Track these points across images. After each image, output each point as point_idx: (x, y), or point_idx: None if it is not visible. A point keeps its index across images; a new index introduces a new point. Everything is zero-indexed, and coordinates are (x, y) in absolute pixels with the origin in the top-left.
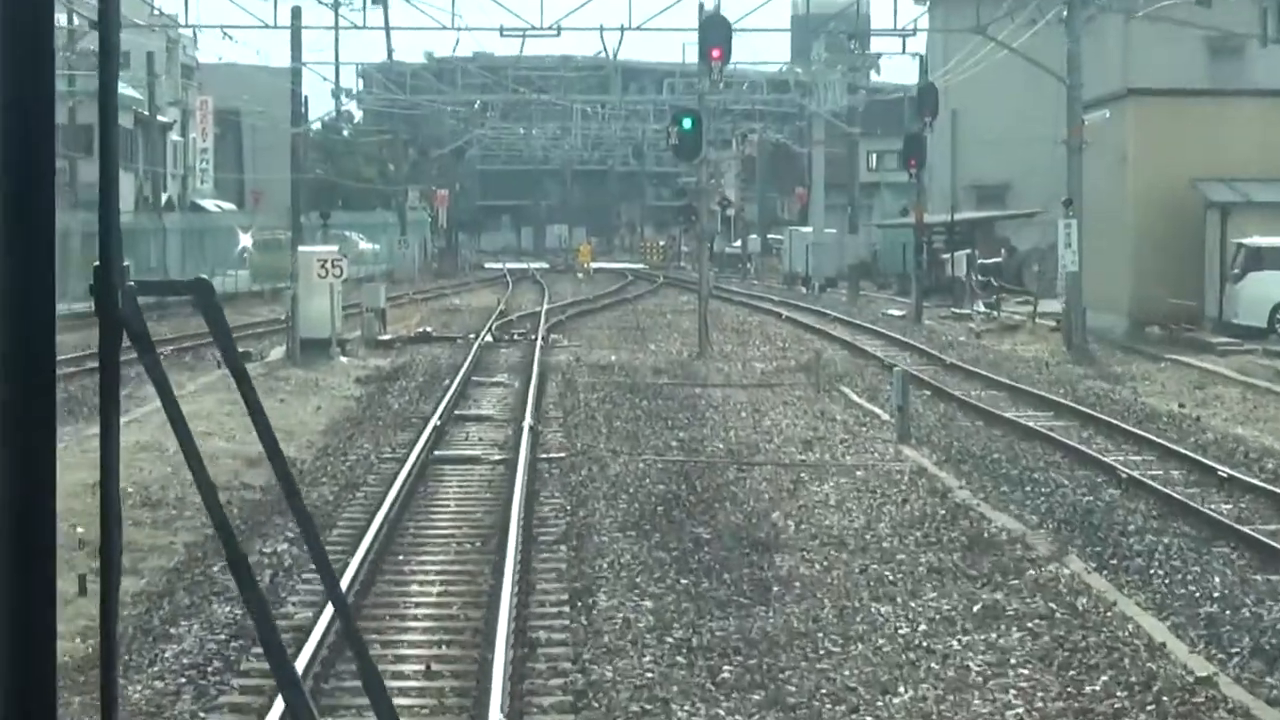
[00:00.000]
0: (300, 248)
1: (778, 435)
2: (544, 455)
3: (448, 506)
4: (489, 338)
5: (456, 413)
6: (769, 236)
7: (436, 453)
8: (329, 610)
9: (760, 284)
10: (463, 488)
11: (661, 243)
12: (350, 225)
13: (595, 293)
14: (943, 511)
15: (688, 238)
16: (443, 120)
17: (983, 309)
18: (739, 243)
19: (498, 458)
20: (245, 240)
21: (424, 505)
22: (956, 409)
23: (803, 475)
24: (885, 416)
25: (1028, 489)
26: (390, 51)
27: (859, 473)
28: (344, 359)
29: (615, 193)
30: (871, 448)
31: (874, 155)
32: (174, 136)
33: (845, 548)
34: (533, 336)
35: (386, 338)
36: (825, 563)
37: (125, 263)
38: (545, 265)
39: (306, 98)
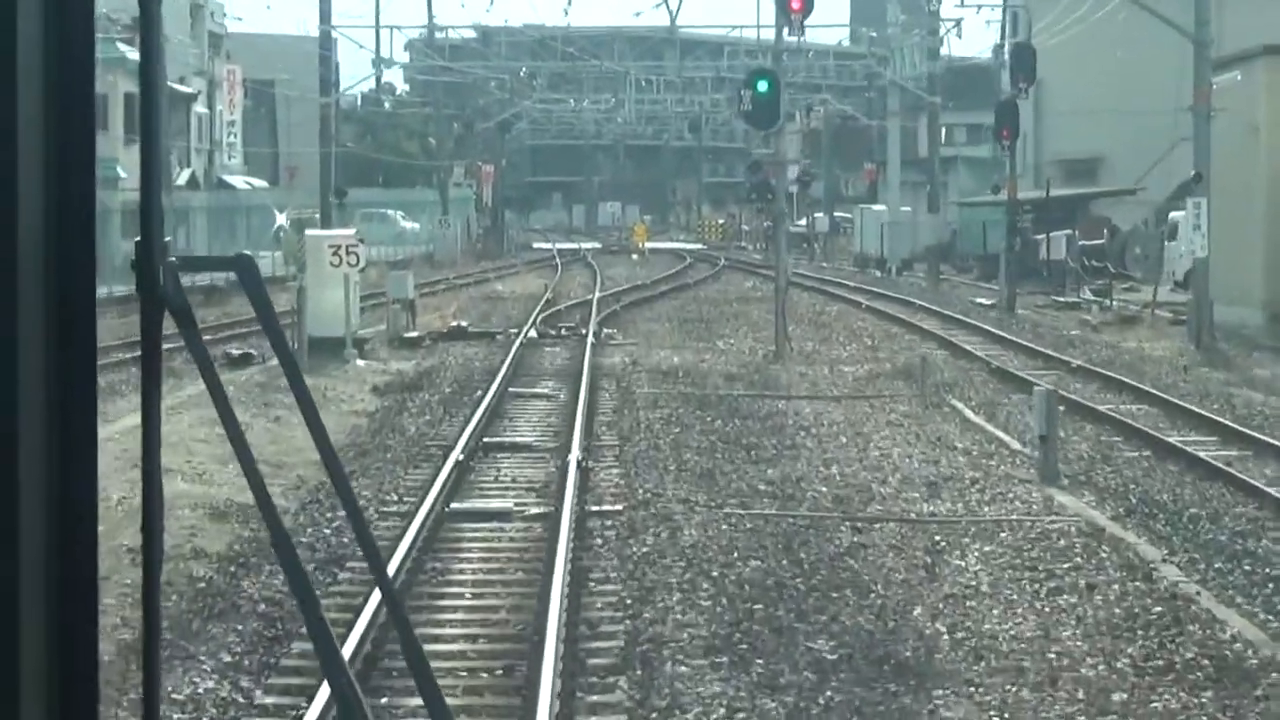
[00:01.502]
0: (309, 231)
1: (891, 472)
2: (595, 508)
3: (459, 600)
4: (533, 333)
5: (486, 439)
6: (836, 215)
7: (453, 505)
8: None
9: (830, 266)
10: (483, 565)
11: (720, 221)
12: (391, 203)
13: (652, 276)
14: (1155, 608)
15: (749, 215)
16: (489, 92)
17: (1091, 297)
18: (804, 221)
19: (535, 511)
20: (281, 220)
21: (428, 595)
22: (1111, 432)
23: (937, 539)
24: (1015, 444)
25: (1246, 565)
26: (431, 17)
27: (1010, 534)
28: (360, 362)
29: (670, 168)
30: (1013, 492)
31: (947, 129)
32: (199, 108)
33: (1026, 680)
34: (583, 331)
35: (414, 334)
36: (1007, 710)
37: (166, 238)
38: (597, 245)
39: (338, 65)
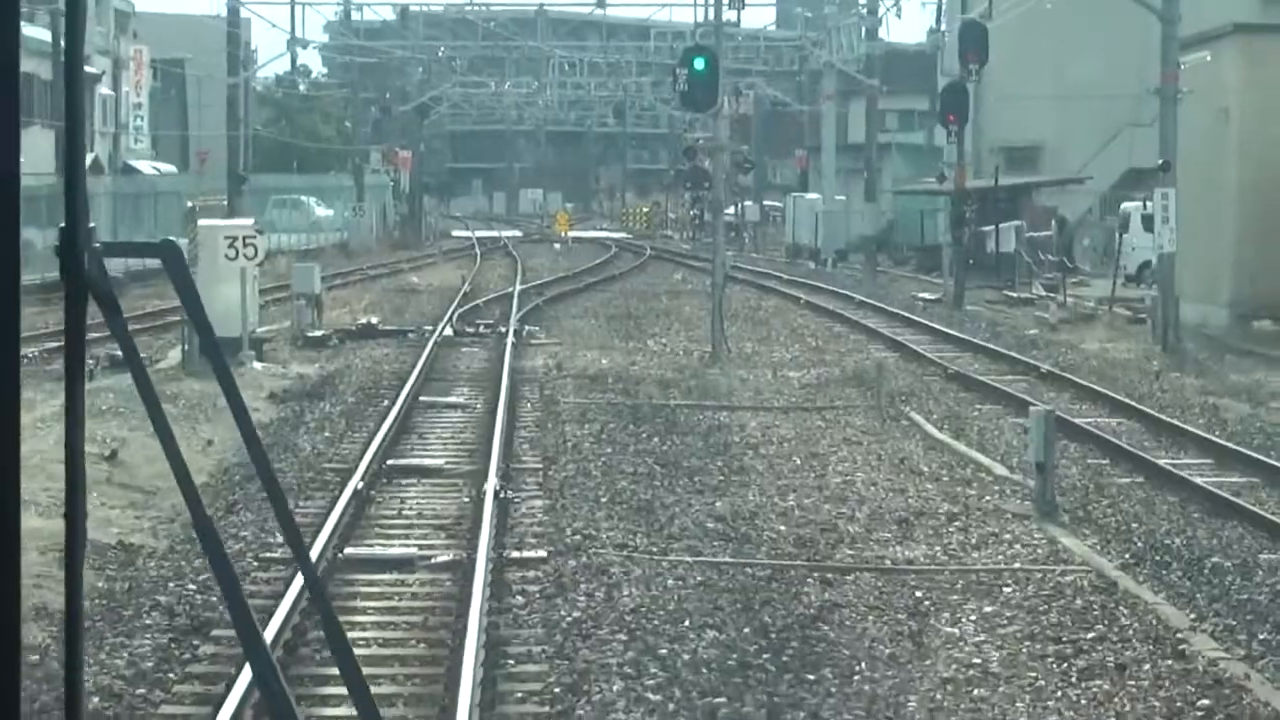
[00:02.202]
0: (202, 221)
1: (857, 504)
2: (515, 554)
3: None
4: (448, 331)
5: (391, 461)
6: (765, 203)
7: (348, 550)
8: None
9: (761, 257)
10: (378, 634)
11: (645, 209)
12: (306, 189)
13: (575, 267)
14: (1201, 699)
15: (675, 203)
16: (407, 74)
17: (1044, 292)
18: (733, 210)
19: (443, 559)
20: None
21: (308, 679)
22: (1097, 452)
23: (920, 595)
24: (994, 467)
25: None
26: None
27: (1010, 589)
28: (258, 365)
29: (593, 155)
30: (1002, 528)
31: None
32: (103, 90)
33: None
34: (502, 329)
35: (319, 333)
36: None
37: (91, 224)
38: (518, 233)
39: (248, 43)
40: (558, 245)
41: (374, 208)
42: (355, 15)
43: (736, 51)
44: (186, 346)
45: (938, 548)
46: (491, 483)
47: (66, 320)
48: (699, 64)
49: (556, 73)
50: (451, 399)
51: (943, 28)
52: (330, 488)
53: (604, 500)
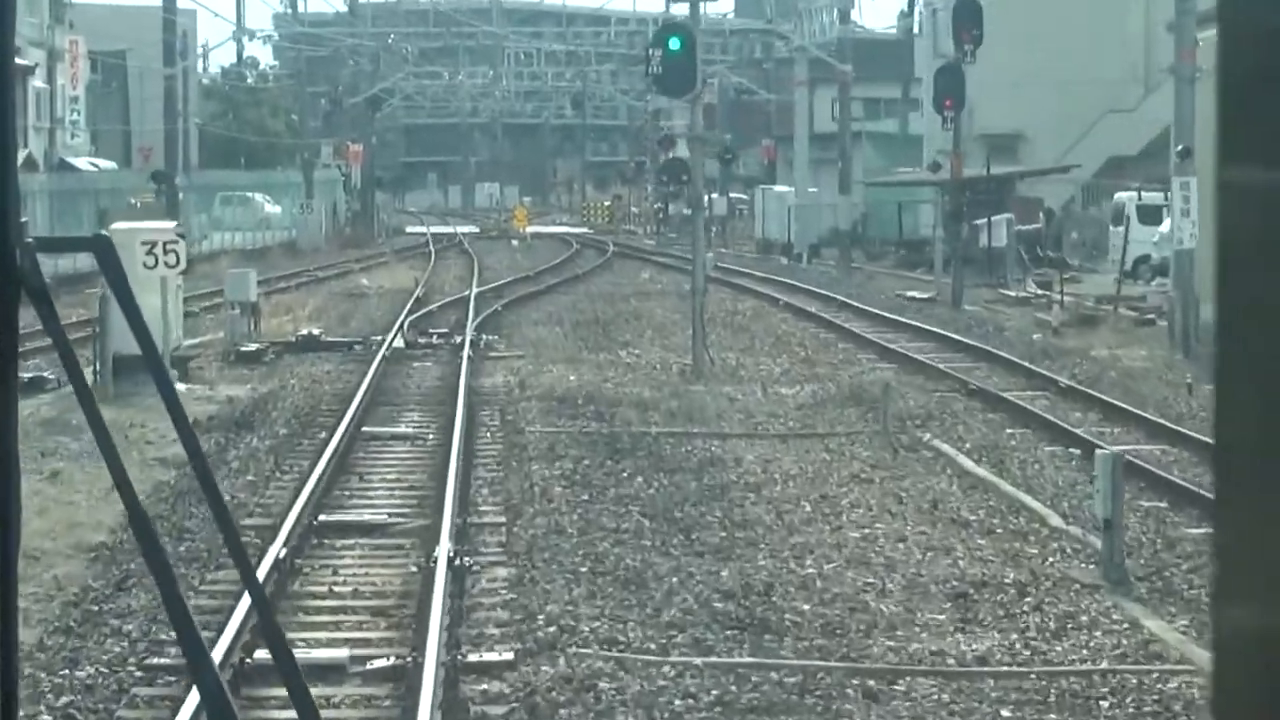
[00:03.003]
0: (116, 225)
1: (888, 570)
2: (474, 656)
3: None
4: (399, 341)
5: (324, 517)
6: (731, 196)
7: (258, 655)
8: None
9: (730, 253)
10: None
11: (606, 203)
12: (253, 185)
13: (536, 266)
14: None
15: (637, 197)
16: (358, 66)
17: (1038, 290)
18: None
19: (380, 664)
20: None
21: None
22: (1152, 493)
23: (1007, 715)
24: (1048, 514)
25: None
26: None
27: (1109, 703)
28: (182, 386)
29: (551, 147)
30: (1077, 605)
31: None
32: (37, 83)
33: None
34: (458, 339)
35: (255, 347)
36: None
37: (23, 219)
38: (475, 229)
39: (186, 33)
40: (516, 242)
41: (324, 204)
42: (304, 7)
43: (711, 27)
44: (98, 365)
45: (1016, 638)
46: (445, 545)
47: None
48: (674, 44)
49: (512, 63)
50: (399, 428)
51: (918, 9)
52: (250, 550)
53: (583, 570)
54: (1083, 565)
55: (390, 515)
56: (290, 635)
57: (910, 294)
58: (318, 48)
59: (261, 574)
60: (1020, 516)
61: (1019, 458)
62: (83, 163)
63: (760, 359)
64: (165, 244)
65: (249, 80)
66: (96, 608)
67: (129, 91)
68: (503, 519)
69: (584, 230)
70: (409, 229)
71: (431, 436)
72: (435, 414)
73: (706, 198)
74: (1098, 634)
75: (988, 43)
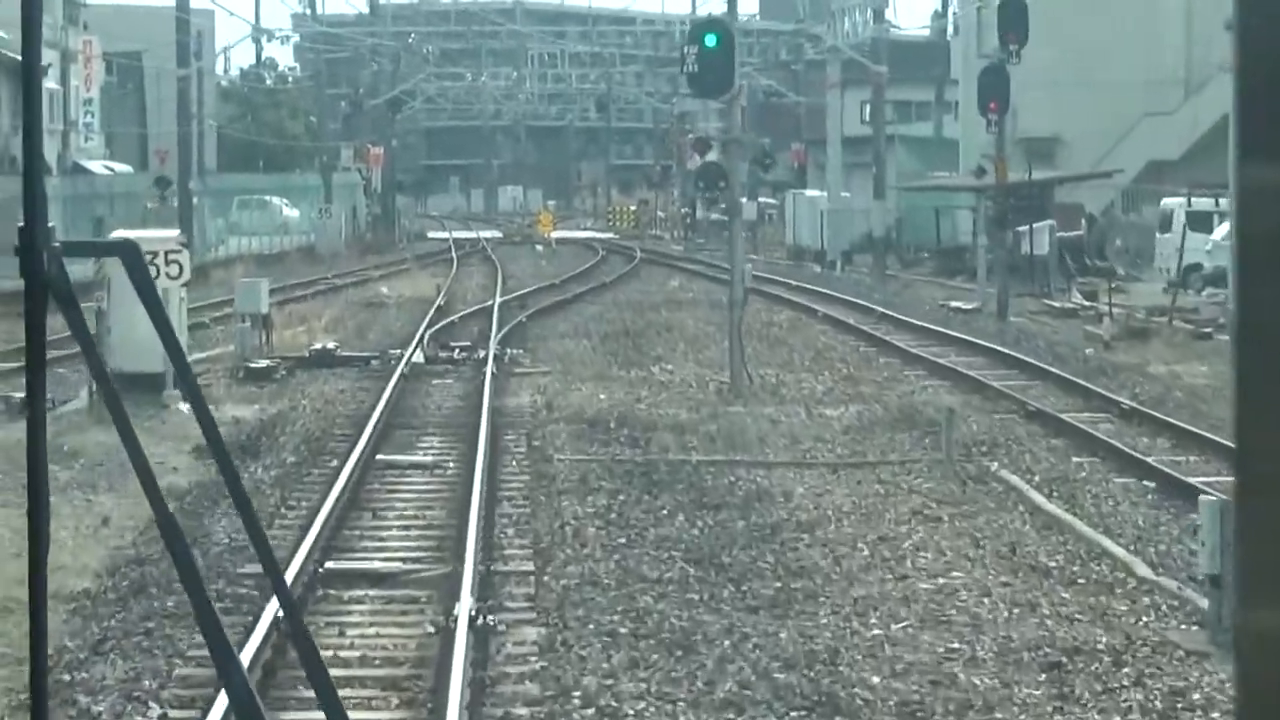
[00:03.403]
0: (117, 233)
1: (968, 630)
2: None
3: None
4: (418, 356)
5: (331, 564)
6: (761, 201)
7: None
8: None
9: (761, 259)
10: None
11: (633, 207)
12: (273, 188)
13: (561, 273)
14: None
15: (664, 201)
16: (379, 64)
17: (1082, 300)
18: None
19: None
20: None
21: None
22: None
23: None
24: (1133, 562)
25: None
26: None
27: None
28: (184, 407)
29: (574, 150)
30: (1186, 679)
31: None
32: (49, 84)
33: None
34: (481, 352)
35: (265, 363)
36: None
37: (50, 223)
38: (498, 233)
39: (200, 33)
40: (540, 247)
41: (344, 209)
42: (322, 8)
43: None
44: (90, 386)
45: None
46: (466, 600)
47: (27, 320)
48: (710, 40)
49: (535, 65)
50: (417, 456)
51: (952, 9)
52: (244, 608)
53: (623, 632)
54: (1184, 626)
55: (405, 561)
56: (285, 717)
57: (954, 304)
58: (337, 47)
59: (258, 636)
60: (1103, 563)
61: (1091, 491)
62: (97, 166)
63: (801, 375)
64: (167, 254)
65: (267, 82)
66: (68, 676)
67: (145, 94)
68: (530, 566)
69: (609, 235)
70: (430, 234)
71: (452, 466)
72: (456, 439)
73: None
74: (1215, 717)
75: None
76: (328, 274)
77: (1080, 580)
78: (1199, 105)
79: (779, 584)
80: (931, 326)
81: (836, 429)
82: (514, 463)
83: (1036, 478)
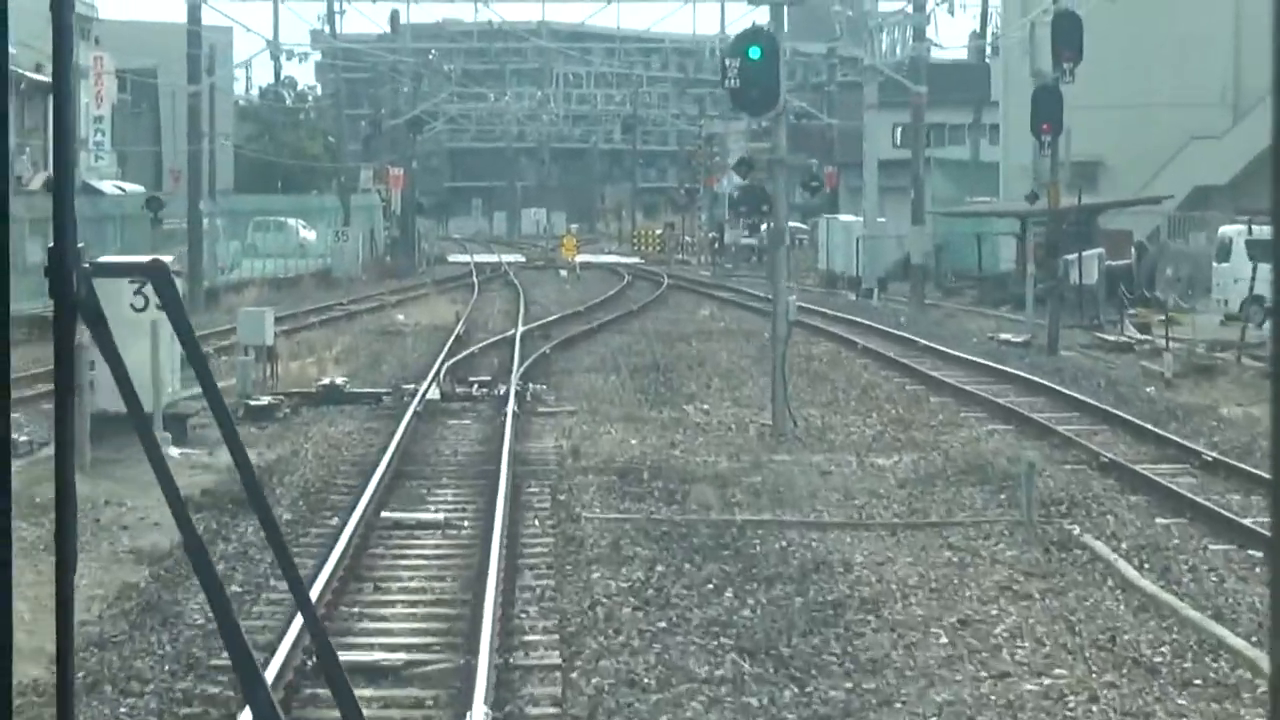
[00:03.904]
0: (101, 259)
1: None
2: None
3: None
4: (434, 392)
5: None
6: (791, 225)
7: None
8: None
9: (794, 287)
10: None
11: (658, 231)
12: (290, 210)
13: (586, 300)
14: None
15: (692, 225)
16: (399, 80)
17: (1137, 333)
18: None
19: None
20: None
21: None
22: None
23: None
24: (1231, 639)
25: None
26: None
27: None
28: (175, 451)
29: (599, 173)
30: None
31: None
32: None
33: None
34: (501, 388)
35: (267, 400)
36: None
37: (80, 244)
38: (520, 258)
39: (212, 47)
40: (564, 272)
41: (362, 231)
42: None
43: None
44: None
45: None
46: (479, 710)
47: (55, 339)
48: (754, 53)
49: (561, 85)
50: (427, 513)
51: (991, 29)
52: (213, 714)
53: None
54: None
55: (409, 654)
56: None
57: (1003, 337)
58: (357, 64)
59: None
60: (1220, 658)
61: (1186, 562)
62: (108, 186)
63: (847, 417)
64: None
65: (287, 101)
66: None
67: (160, 112)
68: (557, 657)
69: (635, 260)
70: (451, 257)
71: (467, 525)
72: (472, 491)
73: (768, 226)
74: None
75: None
76: (343, 299)
77: (1196, 682)
78: (1249, 129)
79: (848, 682)
80: (981, 361)
81: (892, 481)
82: (536, 521)
83: (1123, 544)
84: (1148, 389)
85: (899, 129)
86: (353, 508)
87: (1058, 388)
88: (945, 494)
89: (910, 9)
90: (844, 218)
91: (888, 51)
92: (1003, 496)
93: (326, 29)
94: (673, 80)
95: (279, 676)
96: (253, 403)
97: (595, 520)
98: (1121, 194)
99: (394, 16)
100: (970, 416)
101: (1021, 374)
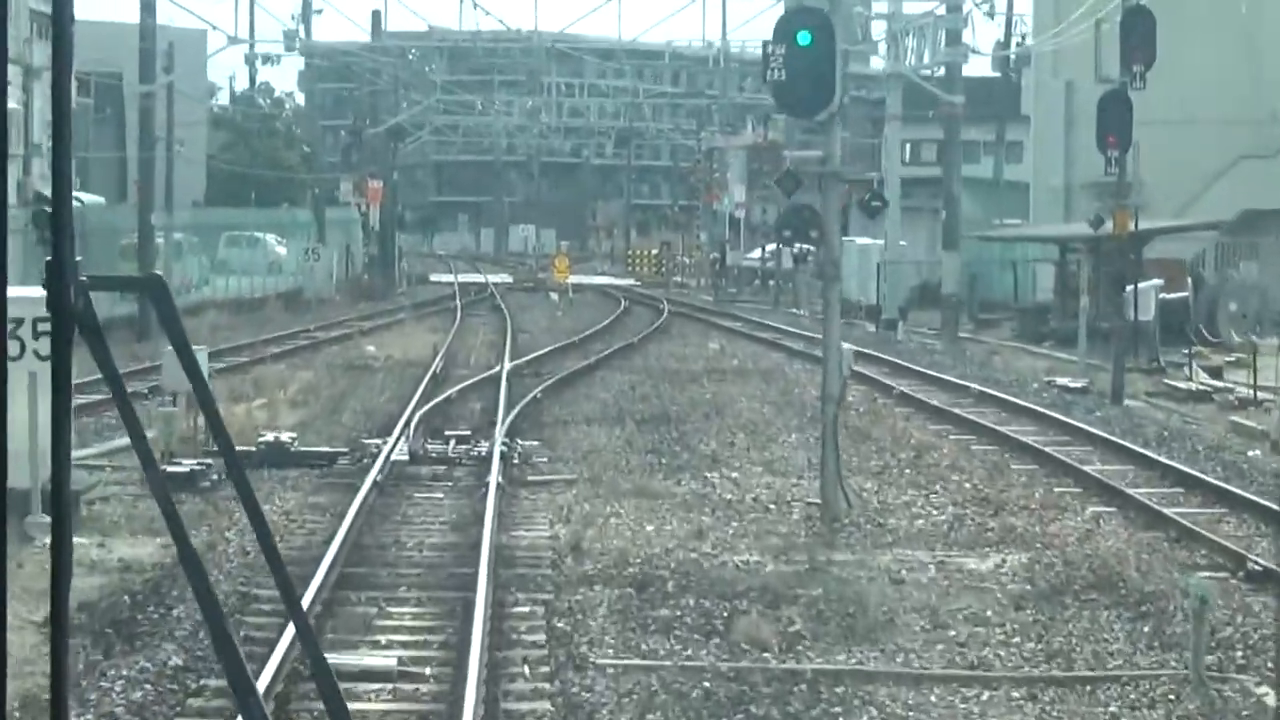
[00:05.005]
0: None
1: None
2: None
3: None
4: (402, 450)
5: None
6: (801, 247)
7: None
8: None
9: (805, 315)
10: None
11: (654, 251)
12: (261, 225)
13: (580, 328)
14: None
15: (689, 246)
16: (380, 92)
17: (1207, 378)
18: (757, 253)
19: None
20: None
21: None
22: None
23: None
24: None
25: None
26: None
27: None
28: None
29: (590, 188)
30: None
31: (914, 145)
32: (11, 104)
33: None
34: (484, 445)
35: (190, 465)
36: None
37: (78, 258)
38: (508, 278)
39: (171, 44)
40: (555, 296)
41: (338, 248)
42: (326, 34)
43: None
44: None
45: None
46: None
47: (53, 354)
48: (804, 38)
49: (553, 94)
50: (374, 658)
51: (1016, 39)
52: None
53: None
54: None
55: None
56: None
57: (1058, 381)
58: (331, 64)
59: None
60: None
61: None
62: None
63: (907, 492)
64: (35, 321)
65: (264, 106)
66: None
67: (125, 118)
68: None
69: (629, 282)
70: (434, 276)
71: (430, 679)
72: (438, 614)
73: (764, 249)
74: None
75: (1092, 77)
76: (310, 325)
77: None
78: None
79: None
80: (1048, 412)
81: (996, 598)
82: (527, 670)
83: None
84: (1251, 452)
85: (911, 144)
86: (274, 643)
87: (1147, 453)
88: (1078, 623)
89: (943, 9)
90: (861, 240)
91: (913, 59)
92: (1145, 628)
93: (301, 29)
94: (670, 92)
95: None
96: (172, 468)
97: (609, 669)
98: (1159, 215)
99: (375, 17)
100: (1064, 492)
101: (1097, 431)
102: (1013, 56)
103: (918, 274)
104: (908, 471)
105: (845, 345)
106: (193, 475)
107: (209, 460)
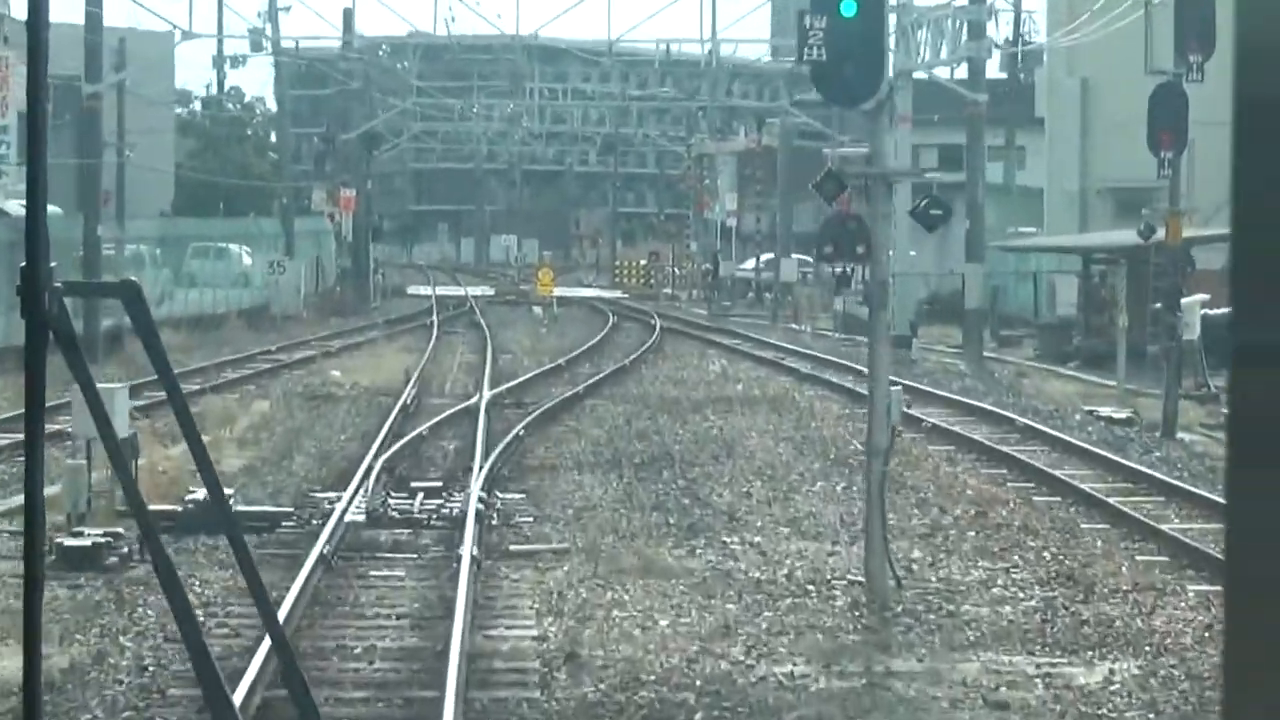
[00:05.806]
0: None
1: None
2: None
3: None
4: (358, 510)
5: None
6: (799, 258)
7: None
8: None
9: (806, 332)
10: None
11: (642, 261)
12: (234, 235)
13: (567, 347)
14: None
15: (680, 256)
16: (352, 94)
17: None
18: (751, 263)
19: None
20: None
21: None
22: None
23: None
24: None
25: None
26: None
27: None
28: None
29: (573, 197)
30: None
31: (913, 150)
32: None
33: None
34: (458, 499)
35: (92, 537)
36: None
37: (52, 264)
38: (489, 290)
39: (123, 41)
40: (539, 310)
41: (307, 261)
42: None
43: (733, 83)
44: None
45: None
46: None
47: (27, 360)
48: (848, 8)
49: (536, 98)
50: None
51: (1021, 36)
52: None
53: None
54: None
55: None
56: None
57: (1100, 411)
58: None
59: None
60: None
61: None
62: (14, 206)
63: (967, 562)
64: None
65: (232, 109)
66: None
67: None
68: None
69: (617, 294)
70: (412, 289)
71: None
72: None
73: (759, 258)
74: None
75: (1109, 75)
76: (272, 346)
77: None
78: None
79: None
80: (1102, 453)
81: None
82: None
83: None
84: None
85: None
86: None
87: (1194, 489)
88: None
89: (965, 0)
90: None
91: (923, 55)
92: None
93: (268, 28)
94: (658, 95)
95: None
96: (70, 541)
97: None
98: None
99: (346, 15)
100: (1151, 563)
101: (1161, 476)
102: (1019, 55)
103: (925, 286)
104: (966, 534)
105: (896, 389)
106: (91, 551)
107: (109, 532)
